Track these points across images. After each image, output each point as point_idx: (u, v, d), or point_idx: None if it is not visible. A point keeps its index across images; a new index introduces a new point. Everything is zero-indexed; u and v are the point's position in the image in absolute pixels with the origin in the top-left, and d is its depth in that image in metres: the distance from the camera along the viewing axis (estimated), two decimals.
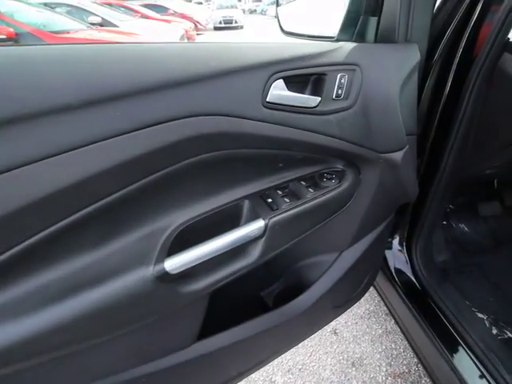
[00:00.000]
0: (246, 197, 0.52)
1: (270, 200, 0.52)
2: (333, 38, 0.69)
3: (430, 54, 0.75)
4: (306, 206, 0.52)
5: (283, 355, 1.16)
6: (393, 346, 1.18)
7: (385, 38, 0.61)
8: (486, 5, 0.68)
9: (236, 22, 13.16)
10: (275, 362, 1.15)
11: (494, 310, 1.02)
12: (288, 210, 0.51)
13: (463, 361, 0.79)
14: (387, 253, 1.01)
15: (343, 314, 1.28)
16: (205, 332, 0.59)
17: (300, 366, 1.13)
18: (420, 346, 0.91)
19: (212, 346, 0.59)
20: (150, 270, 0.42)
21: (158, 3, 10.92)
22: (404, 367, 1.11)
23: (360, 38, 0.64)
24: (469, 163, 0.86)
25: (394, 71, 0.55)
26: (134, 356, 0.53)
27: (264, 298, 0.74)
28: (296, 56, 0.47)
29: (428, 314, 0.90)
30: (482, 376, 0.75)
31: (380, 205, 0.67)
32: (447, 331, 0.85)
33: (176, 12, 10.74)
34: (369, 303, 1.34)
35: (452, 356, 0.81)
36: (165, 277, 0.43)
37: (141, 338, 0.52)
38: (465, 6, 0.71)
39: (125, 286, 0.42)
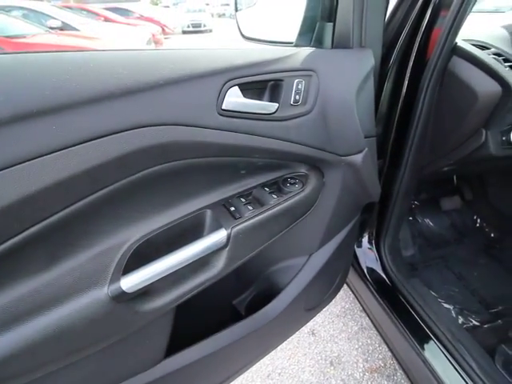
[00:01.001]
0: (208, 206, 0.50)
1: (232, 208, 0.51)
2: (292, 43, 0.70)
3: (385, 58, 0.78)
4: (270, 212, 0.51)
5: (262, 360, 1.15)
6: (369, 341, 1.21)
7: (340, 43, 0.62)
8: (436, 10, 0.72)
9: (204, 26, 13.10)
10: (254, 368, 1.13)
11: (458, 299, 1.07)
12: (251, 218, 0.50)
13: (432, 351, 0.82)
14: (358, 251, 1.04)
15: (320, 314, 1.29)
16: (174, 348, 0.56)
17: (279, 371, 1.13)
18: (392, 340, 0.93)
19: (182, 362, 0.57)
20: (104, 291, 0.40)
21: (123, 6, 10.62)
22: (380, 362, 1.14)
23: (317, 43, 0.65)
24: (428, 161, 0.90)
25: (349, 76, 0.56)
26: (98, 380, 0.50)
27: (236, 307, 0.72)
28: (251, 63, 0.47)
29: (398, 309, 0.92)
30: (451, 364, 0.79)
31: (345, 206, 0.68)
32: (416, 324, 0.87)
33: (142, 15, 10.50)
34: (344, 301, 1.36)
35: (422, 348, 0.83)
36: (121, 296, 0.41)
37: (104, 361, 0.49)
38: (416, 12, 0.74)
39: (79, 309, 0.40)
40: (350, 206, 0.70)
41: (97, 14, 8.02)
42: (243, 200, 0.52)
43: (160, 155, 0.40)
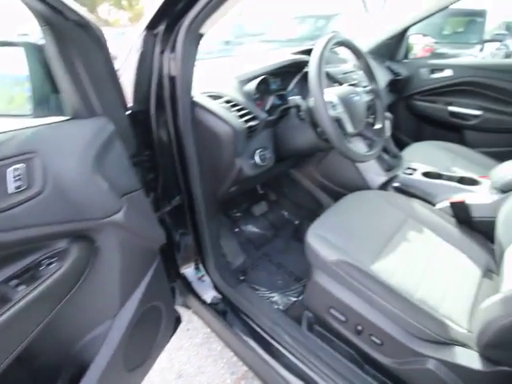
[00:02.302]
0: None
1: None
2: (30, 114, 0.68)
3: (145, 115, 0.88)
4: (18, 306, 0.49)
5: None
6: (231, 354, 1.30)
7: (75, 113, 0.65)
8: (171, 77, 0.86)
9: None
10: None
11: (281, 285, 1.30)
12: None
13: (261, 342, 0.97)
14: (194, 283, 1.11)
15: (183, 352, 1.30)
16: None
17: None
18: (237, 348, 1.05)
19: None
20: None
21: None
22: (244, 367, 1.25)
23: (52, 113, 0.66)
24: (216, 188, 1.07)
25: (81, 147, 0.60)
26: None
27: None
28: None
29: (232, 319, 1.04)
30: (273, 346, 0.95)
31: (133, 258, 0.72)
32: (247, 326, 1.01)
33: None
34: (203, 328, 1.42)
35: (256, 344, 0.97)
36: None
37: None
38: (156, 73, 0.87)
39: None
40: (138, 256, 0.74)
41: None
42: None
43: None
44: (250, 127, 0.94)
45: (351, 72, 1.37)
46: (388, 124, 1.20)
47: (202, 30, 0.81)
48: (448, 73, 1.71)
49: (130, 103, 0.84)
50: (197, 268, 1.12)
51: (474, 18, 4.94)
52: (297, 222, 1.63)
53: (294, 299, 1.22)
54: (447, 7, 1.55)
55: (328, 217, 1.02)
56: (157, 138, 0.90)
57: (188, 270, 1.08)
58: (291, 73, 1.17)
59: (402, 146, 1.55)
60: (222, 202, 1.16)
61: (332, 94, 0.91)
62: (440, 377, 0.72)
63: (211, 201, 1.06)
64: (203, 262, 1.11)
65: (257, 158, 0.97)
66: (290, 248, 1.48)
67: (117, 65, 0.88)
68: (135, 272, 0.74)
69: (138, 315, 0.75)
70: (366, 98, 1.01)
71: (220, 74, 1.08)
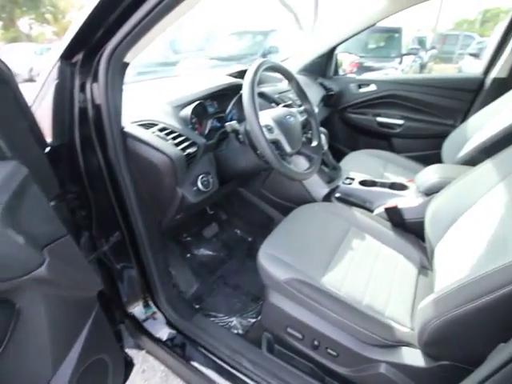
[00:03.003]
0: None
1: None
2: None
3: (69, 149, 0.81)
4: None
5: None
6: None
7: None
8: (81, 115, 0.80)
9: None
10: None
11: (238, 307, 1.27)
12: None
13: (221, 373, 0.93)
14: (146, 324, 1.03)
15: None
16: None
17: None
18: None
19: None
20: None
21: None
22: None
23: None
24: (160, 217, 1.02)
25: None
26: None
27: None
28: None
29: (190, 354, 0.99)
30: (233, 374, 0.92)
31: (65, 314, 0.64)
32: (208, 359, 0.97)
33: None
34: (160, 366, 1.32)
35: (220, 378, 0.93)
36: None
37: None
38: (78, 103, 0.80)
39: None
40: (71, 309, 0.67)
41: None
42: None
43: None
44: (189, 154, 0.91)
45: (287, 91, 1.43)
46: (324, 139, 1.27)
47: (126, 59, 0.78)
48: (373, 87, 1.89)
49: (49, 138, 0.77)
50: (146, 305, 1.04)
51: (392, 34, 5.59)
52: (250, 239, 1.63)
53: (253, 320, 1.20)
54: (372, 26, 1.71)
55: (277, 234, 1.04)
56: (85, 172, 0.83)
57: (137, 309, 1.01)
58: (228, 95, 1.18)
59: (339, 155, 1.66)
60: (169, 229, 1.11)
61: (268, 117, 0.94)
62: (392, 379, 0.76)
63: (155, 232, 1.01)
64: (153, 297, 1.04)
65: (199, 184, 0.95)
66: (246, 267, 1.47)
67: (31, 97, 0.80)
68: (69, 328, 0.66)
69: (77, 375, 0.67)
70: (301, 118, 1.06)
71: (153, 99, 1.05)
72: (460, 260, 0.80)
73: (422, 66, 6.83)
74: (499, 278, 0.54)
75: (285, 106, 1.09)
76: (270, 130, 0.91)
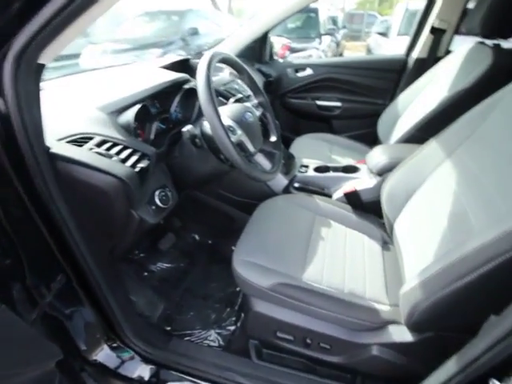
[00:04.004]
0: None
1: None
2: None
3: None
4: None
5: None
6: None
7: None
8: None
9: None
10: None
11: (215, 319, 1.20)
12: None
13: None
14: (119, 367, 0.89)
15: None
16: None
17: None
18: None
19: None
20: None
21: None
22: None
23: None
24: (112, 246, 0.87)
25: None
26: None
27: None
28: None
29: None
30: None
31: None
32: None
33: None
34: None
35: None
36: None
37: None
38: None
39: None
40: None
41: None
42: None
43: None
44: (141, 170, 0.77)
45: (231, 81, 1.33)
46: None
47: (42, 60, 0.59)
48: (309, 71, 1.91)
49: None
50: (114, 348, 0.89)
51: (308, 14, 5.74)
52: (210, 242, 1.54)
53: (233, 327, 1.15)
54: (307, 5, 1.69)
55: (247, 237, 0.98)
56: (1, 211, 0.63)
57: (102, 354, 0.86)
58: (169, 92, 1.04)
59: (285, 142, 1.65)
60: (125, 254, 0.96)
61: (226, 117, 0.84)
62: (385, 359, 0.80)
63: (109, 263, 0.86)
64: (119, 336, 0.90)
65: (157, 202, 0.83)
66: (211, 272, 1.39)
67: None
68: None
69: None
70: (257, 113, 0.99)
71: (77, 106, 0.85)
72: (422, 235, 0.86)
73: (338, 45, 7.25)
74: (482, 255, 0.58)
75: (236, 101, 1.01)
76: (233, 131, 0.82)
